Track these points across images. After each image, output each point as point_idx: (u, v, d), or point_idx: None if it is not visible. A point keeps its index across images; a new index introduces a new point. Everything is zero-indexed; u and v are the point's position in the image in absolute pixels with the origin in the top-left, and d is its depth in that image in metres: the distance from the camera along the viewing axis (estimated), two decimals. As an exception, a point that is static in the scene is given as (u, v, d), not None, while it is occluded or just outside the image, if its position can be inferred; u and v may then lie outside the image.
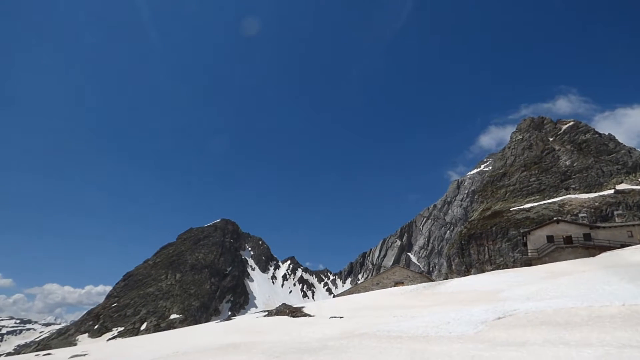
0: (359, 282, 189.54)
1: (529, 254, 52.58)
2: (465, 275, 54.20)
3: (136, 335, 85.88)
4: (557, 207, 78.16)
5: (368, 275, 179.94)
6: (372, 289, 49.82)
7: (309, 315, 29.97)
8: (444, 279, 52.95)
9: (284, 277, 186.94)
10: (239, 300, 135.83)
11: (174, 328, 78.83)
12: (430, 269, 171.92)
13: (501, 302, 21.91)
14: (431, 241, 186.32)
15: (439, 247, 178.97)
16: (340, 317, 25.70)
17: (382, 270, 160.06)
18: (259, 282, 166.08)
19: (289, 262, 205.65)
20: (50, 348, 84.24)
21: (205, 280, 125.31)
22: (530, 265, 48.91)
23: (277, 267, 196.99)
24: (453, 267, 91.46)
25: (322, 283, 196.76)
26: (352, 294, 48.71)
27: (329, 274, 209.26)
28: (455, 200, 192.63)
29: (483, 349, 11.50)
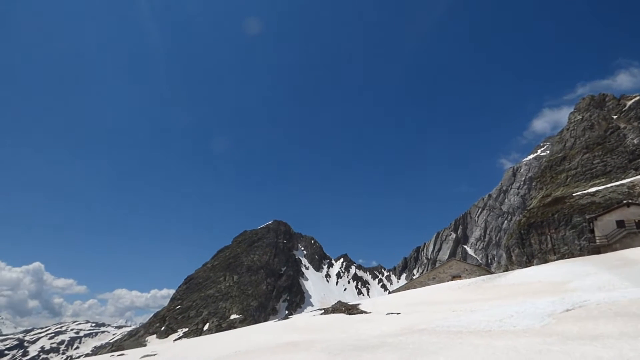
0: (414, 277, 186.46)
1: (597, 241, 49.06)
2: (526, 267, 51.66)
3: (200, 335, 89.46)
4: (627, 190, 72.34)
5: (423, 270, 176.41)
6: (428, 284, 48.78)
7: (365, 312, 29.84)
8: (504, 271, 50.81)
9: (338, 275, 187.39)
10: (295, 299, 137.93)
11: (235, 328, 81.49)
12: (489, 261, 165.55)
13: (569, 293, 20.65)
14: (488, 232, 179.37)
15: (497, 238, 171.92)
16: (397, 313, 25.36)
17: (437, 264, 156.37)
18: (313, 281, 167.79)
19: (342, 259, 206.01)
20: (123, 349, 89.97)
21: (261, 280, 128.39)
22: (599, 253, 45.68)
23: (330, 265, 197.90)
24: (513, 258, 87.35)
25: (377, 280, 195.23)
26: (408, 289, 47.95)
27: (383, 270, 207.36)
28: (511, 188, 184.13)
29: (552, 342, 10.88)
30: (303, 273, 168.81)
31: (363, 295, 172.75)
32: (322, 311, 39.31)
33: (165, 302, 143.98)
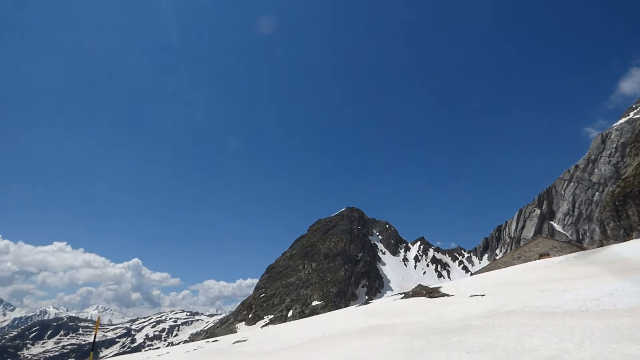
0: (496, 257, 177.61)
1: None
2: (624, 241, 46.92)
3: (284, 321, 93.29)
4: None
5: (506, 250, 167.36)
6: (513, 264, 46.39)
7: (447, 295, 29.27)
8: (598, 247, 46.62)
9: (416, 259, 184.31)
10: (374, 285, 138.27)
11: (317, 314, 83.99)
12: (580, 236, 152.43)
13: (679, 267, 18.54)
14: (577, 206, 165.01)
15: (588, 212, 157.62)
16: (482, 295, 24.57)
17: (521, 242, 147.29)
18: (390, 266, 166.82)
19: (418, 243, 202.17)
20: (216, 335, 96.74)
21: (339, 267, 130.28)
22: None
23: (407, 249, 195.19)
24: (608, 232, 79.62)
25: (457, 261, 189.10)
26: (491, 270, 46.01)
27: (462, 251, 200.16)
28: (601, 157, 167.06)
29: (660, 322, 9.95)
30: (380, 258, 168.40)
31: (443, 278, 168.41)
32: (403, 295, 39.16)
33: (250, 291, 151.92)
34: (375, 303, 48.51)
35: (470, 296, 25.09)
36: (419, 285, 39.64)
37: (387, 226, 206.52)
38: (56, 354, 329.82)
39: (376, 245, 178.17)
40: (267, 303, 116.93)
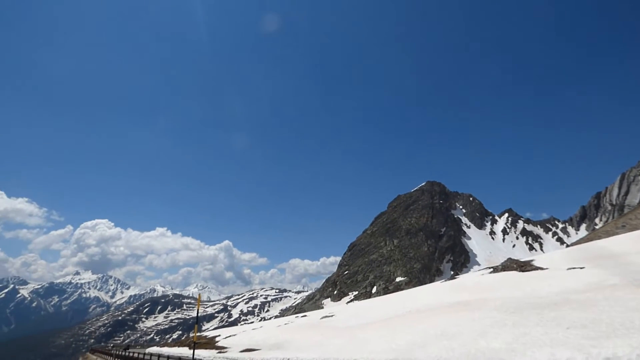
0: (596, 227, 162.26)
1: None
2: None
3: (369, 298, 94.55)
4: None
5: (608, 218, 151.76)
6: (616, 233, 42.19)
7: (541, 268, 27.63)
8: None
9: (504, 232, 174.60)
10: (459, 259, 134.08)
11: (401, 290, 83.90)
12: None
13: None
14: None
15: None
16: (581, 268, 22.84)
17: (625, 210, 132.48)
18: (476, 240, 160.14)
19: (506, 215, 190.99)
20: (304, 311, 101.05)
21: (422, 243, 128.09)
22: None
23: (493, 222, 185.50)
24: None
25: (550, 233, 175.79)
26: (590, 240, 42.30)
27: (556, 222, 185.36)
28: None
29: None
30: (464, 232, 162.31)
31: (535, 251, 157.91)
32: (491, 270, 37.68)
33: (334, 269, 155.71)
34: (462, 278, 47.25)
35: (568, 269, 23.43)
36: (509, 259, 37.75)
37: (470, 199, 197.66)
38: (166, 326, 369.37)
39: (460, 219, 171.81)
40: (351, 280, 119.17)
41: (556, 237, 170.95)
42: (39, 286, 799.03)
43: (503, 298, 17.55)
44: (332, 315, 49.53)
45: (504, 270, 31.49)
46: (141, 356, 28.42)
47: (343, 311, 54.33)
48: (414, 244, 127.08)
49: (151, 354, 27.46)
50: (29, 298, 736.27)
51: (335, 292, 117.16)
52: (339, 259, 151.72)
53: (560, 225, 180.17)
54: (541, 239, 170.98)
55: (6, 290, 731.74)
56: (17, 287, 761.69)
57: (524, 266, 29.51)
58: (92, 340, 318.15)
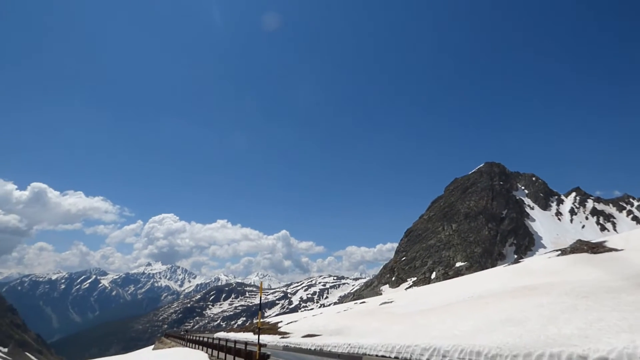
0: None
1: None
2: None
3: (428, 283, 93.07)
4: None
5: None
6: None
7: (615, 250, 25.74)
8: None
9: (572, 212, 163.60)
10: (523, 243, 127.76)
11: (462, 275, 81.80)
12: None
13: None
14: None
15: None
16: (663, 249, 21.02)
17: None
18: (541, 221, 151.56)
19: (573, 194, 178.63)
20: (363, 298, 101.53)
21: (482, 226, 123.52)
22: None
23: (559, 202, 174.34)
24: None
25: (624, 212, 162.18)
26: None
27: (631, 199, 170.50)
28: None
29: None
30: (528, 214, 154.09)
31: (608, 231, 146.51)
32: (559, 252, 35.65)
33: (391, 255, 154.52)
34: (527, 262, 45.15)
35: (648, 250, 21.61)
36: (578, 240, 35.45)
37: (533, 179, 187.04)
38: (231, 313, 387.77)
39: (522, 201, 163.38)
40: (409, 266, 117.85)
41: (631, 215, 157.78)
42: (117, 276, 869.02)
43: (573, 282, 16.59)
44: (391, 302, 49.46)
45: (574, 253, 29.64)
46: (211, 341, 30.08)
47: (402, 297, 54.06)
48: (474, 228, 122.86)
49: (219, 339, 28.97)
50: (109, 287, 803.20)
51: (393, 278, 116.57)
52: (395, 245, 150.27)
53: (636, 203, 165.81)
54: (614, 218, 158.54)
55: (89, 281, 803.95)
56: (98, 277, 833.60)
57: (596, 248, 27.61)
58: (165, 326, 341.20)
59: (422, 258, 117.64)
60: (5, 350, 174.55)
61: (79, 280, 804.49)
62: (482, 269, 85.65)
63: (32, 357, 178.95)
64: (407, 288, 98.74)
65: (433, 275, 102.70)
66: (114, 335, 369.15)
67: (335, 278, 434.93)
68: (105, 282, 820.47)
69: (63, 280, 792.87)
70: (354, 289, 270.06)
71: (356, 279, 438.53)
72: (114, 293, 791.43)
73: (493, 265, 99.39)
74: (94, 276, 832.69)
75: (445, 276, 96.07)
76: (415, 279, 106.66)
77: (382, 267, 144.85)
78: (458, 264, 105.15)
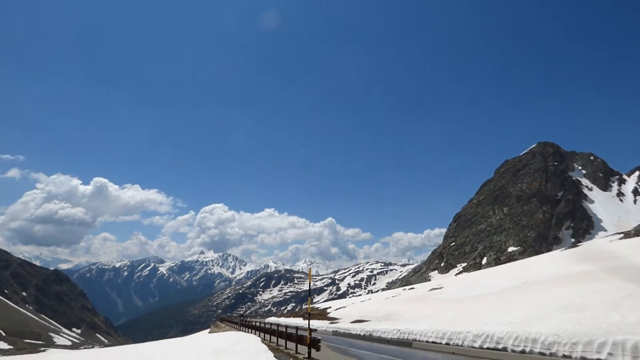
0: None
1: None
2: None
3: (479, 269, 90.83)
4: None
5: None
6: None
7: (688, 233, 23.88)
8: None
9: (635, 192, 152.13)
10: (581, 226, 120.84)
11: (514, 260, 79.03)
12: None
13: None
14: None
15: None
16: None
17: None
18: (601, 203, 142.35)
19: (637, 173, 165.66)
20: (411, 284, 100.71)
21: (535, 209, 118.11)
22: None
23: (621, 182, 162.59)
24: None
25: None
26: None
27: None
28: None
29: None
30: (586, 195, 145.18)
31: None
32: (622, 235, 33.58)
33: (439, 240, 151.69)
34: (586, 246, 42.89)
35: None
36: (645, 222, 33.11)
37: (591, 158, 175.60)
38: (280, 299, 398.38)
39: (579, 181, 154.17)
40: (459, 251, 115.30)
41: None
42: (173, 264, 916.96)
43: (638, 267, 15.65)
44: (440, 288, 48.81)
45: (638, 236, 27.81)
46: (264, 325, 31.18)
47: (452, 283, 53.19)
48: (527, 211, 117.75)
49: (271, 324, 29.95)
50: (167, 274, 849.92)
51: (442, 264, 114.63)
52: (443, 230, 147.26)
53: None
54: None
55: (149, 268, 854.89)
56: (156, 265, 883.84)
57: (666, 230, 25.75)
58: (220, 311, 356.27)
59: (472, 243, 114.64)
60: (79, 331, 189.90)
61: (139, 267, 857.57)
62: (536, 254, 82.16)
63: (102, 338, 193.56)
64: (457, 274, 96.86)
65: (484, 261, 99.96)
66: (173, 318, 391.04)
67: (382, 264, 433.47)
68: (162, 269, 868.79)
69: (125, 268, 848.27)
70: (402, 275, 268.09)
71: (404, 265, 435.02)
72: (171, 280, 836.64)
73: (548, 250, 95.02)
74: (152, 264, 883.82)
75: (497, 261, 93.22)
76: (465, 264, 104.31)
77: (430, 253, 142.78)
78: (510, 249, 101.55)
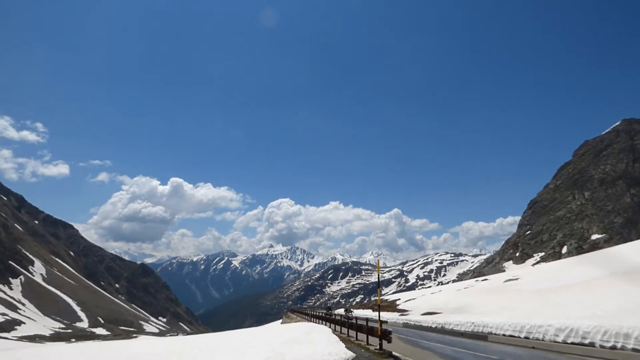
0: None
1: None
2: None
3: (558, 259, 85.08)
4: None
5: None
6: None
7: None
8: None
9: None
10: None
11: (599, 249, 72.65)
12: None
13: None
14: None
15: None
16: None
17: None
18: None
19: None
20: (484, 275, 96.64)
21: (622, 193, 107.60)
22: None
23: None
24: None
25: None
26: None
27: None
28: None
29: None
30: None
31: None
32: None
33: (513, 229, 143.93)
34: (687, 232, 38.37)
35: None
36: None
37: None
38: (349, 291, 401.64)
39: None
40: (535, 240, 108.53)
41: None
42: (245, 258, 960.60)
43: None
44: (516, 279, 46.40)
45: None
46: (334, 317, 31.73)
47: (529, 274, 50.35)
48: (612, 195, 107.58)
49: (340, 315, 30.36)
50: (239, 267, 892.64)
51: (517, 254, 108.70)
52: (517, 218, 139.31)
53: None
54: None
55: (223, 262, 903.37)
56: (229, 259, 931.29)
57: None
58: (290, 302, 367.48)
59: (549, 231, 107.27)
60: (164, 320, 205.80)
61: (214, 261, 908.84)
62: (625, 242, 74.95)
63: (185, 327, 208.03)
64: (534, 264, 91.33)
65: (564, 250, 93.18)
66: (247, 309, 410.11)
67: (452, 255, 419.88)
68: (235, 262, 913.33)
69: (202, 262, 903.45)
70: (474, 266, 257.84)
71: (475, 256, 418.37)
72: (243, 272, 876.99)
73: (639, 237, 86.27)
74: (226, 258, 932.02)
75: (579, 250, 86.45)
76: (543, 254, 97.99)
77: (503, 242, 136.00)
78: (594, 237, 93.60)
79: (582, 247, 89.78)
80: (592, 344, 14.48)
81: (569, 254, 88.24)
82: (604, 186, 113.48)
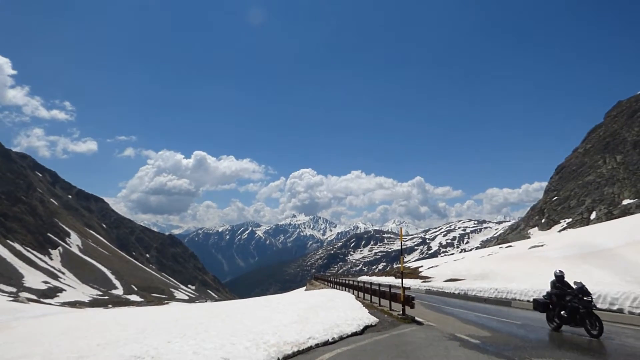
0: None
1: None
2: None
3: (586, 225, 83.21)
4: None
5: None
6: None
7: None
8: None
9: None
10: None
11: (630, 214, 70.48)
12: None
13: None
14: None
15: None
16: None
17: None
18: None
19: None
20: (508, 241, 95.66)
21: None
22: None
23: None
24: None
25: None
26: None
27: None
28: None
29: None
30: None
31: None
32: None
33: (539, 195, 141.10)
34: None
35: None
36: None
37: None
38: (371, 259, 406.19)
39: None
40: (562, 206, 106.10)
41: None
42: (269, 227, 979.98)
43: None
44: (542, 245, 45.72)
45: None
46: (358, 284, 32.11)
47: (555, 240, 49.48)
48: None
49: (363, 282, 30.72)
50: (263, 237, 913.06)
51: (543, 220, 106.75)
52: (543, 184, 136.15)
53: None
54: None
55: (247, 232, 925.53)
56: (254, 229, 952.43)
57: None
58: (313, 270, 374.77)
59: (578, 197, 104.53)
60: (193, 287, 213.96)
61: (239, 231, 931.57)
62: (660, 206, 72.43)
63: (212, 294, 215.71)
64: (560, 230, 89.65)
65: (593, 216, 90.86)
66: (272, 277, 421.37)
67: (475, 222, 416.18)
68: (259, 232, 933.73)
69: (227, 232, 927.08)
70: (498, 233, 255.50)
71: (499, 223, 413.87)
72: (267, 242, 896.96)
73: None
74: (250, 228, 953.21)
75: (609, 216, 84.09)
76: (570, 220, 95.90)
77: (529, 208, 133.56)
78: (625, 202, 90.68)
79: (612, 212, 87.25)
80: (620, 310, 14.24)
81: (598, 219, 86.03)
82: (637, 149, 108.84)
